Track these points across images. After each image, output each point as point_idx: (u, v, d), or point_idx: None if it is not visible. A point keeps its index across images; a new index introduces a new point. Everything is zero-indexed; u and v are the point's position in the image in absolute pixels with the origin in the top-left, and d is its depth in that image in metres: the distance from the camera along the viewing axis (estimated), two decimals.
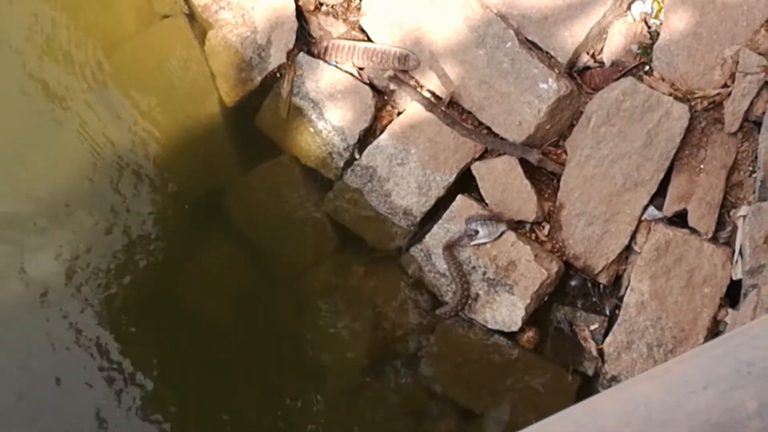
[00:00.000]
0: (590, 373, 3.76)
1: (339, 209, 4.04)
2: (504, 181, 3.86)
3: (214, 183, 4.16)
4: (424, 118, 3.93)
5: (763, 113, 3.61)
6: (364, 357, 3.91)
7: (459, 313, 3.81)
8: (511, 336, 3.81)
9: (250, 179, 4.16)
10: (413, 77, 4.01)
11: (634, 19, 3.87)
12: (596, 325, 3.79)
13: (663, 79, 3.79)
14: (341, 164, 4.05)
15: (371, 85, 4.06)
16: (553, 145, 3.90)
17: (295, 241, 4.06)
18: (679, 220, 3.71)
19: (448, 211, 3.90)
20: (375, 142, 4.00)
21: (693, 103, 3.73)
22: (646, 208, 3.75)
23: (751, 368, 1.28)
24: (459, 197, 3.90)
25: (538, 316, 3.83)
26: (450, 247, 3.81)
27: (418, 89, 3.99)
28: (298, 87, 4.09)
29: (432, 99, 3.95)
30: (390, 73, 3.97)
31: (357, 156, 4.03)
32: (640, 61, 3.85)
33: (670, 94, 3.73)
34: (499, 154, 3.90)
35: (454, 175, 3.93)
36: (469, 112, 3.95)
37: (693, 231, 3.67)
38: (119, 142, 4.12)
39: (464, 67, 3.91)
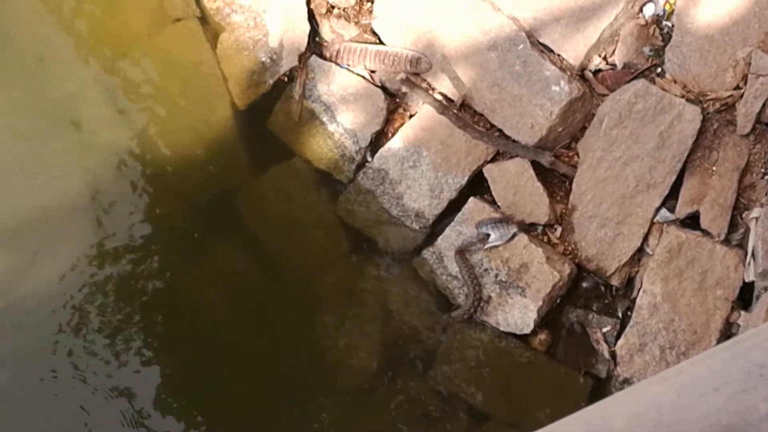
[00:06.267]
0: (602, 375, 3.75)
1: (351, 212, 4.04)
2: (516, 184, 3.86)
3: (226, 186, 4.16)
4: (436, 120, 3.93)
5: None
6: (375, 359, 3.91)
7: (472, 316, 3.81)
8: (523, 338, 3.81)
9: (262, 182, 4.17)
10: (425, 80, 4.02)
11: (646, 21, 3.86)
12: (609, 328, 3.79)
13: (675, 81, 3.78)
14: (353, 167, 4.05)
15: (383, 88, 4.07)
16: (565, 148, 3.90)
17: (306, 243, 4.07)
18: (692, 222, 3.70)
19: (460, 214, 3.89)
20: (387, 145, 4.01)
21: (705, 105, 3.72)
22: (658, 210, 3.74)
23: (763, 370, 1.28)
24: (471, 200, 3.90)
25: (550, 318, 3.83)
26: (462, 252, 3.81)
27: (430, 92, 3.99)
28: (310, 90, 4.10)
29: (444, 102, 3.95)
30: (402, 75, 3.97)
31: (369, 159, 4.04)
32: (652, 63, 3.85)
33: (683, 96, 3.73)
34: (511, 157, 3.90)
35: (466, 178, 3.93)
36: (481, 115, 3.95)
37: (705, 233, 3.66)
38: (130, 145, 4.14)
39: (476, 70, 3.91)
